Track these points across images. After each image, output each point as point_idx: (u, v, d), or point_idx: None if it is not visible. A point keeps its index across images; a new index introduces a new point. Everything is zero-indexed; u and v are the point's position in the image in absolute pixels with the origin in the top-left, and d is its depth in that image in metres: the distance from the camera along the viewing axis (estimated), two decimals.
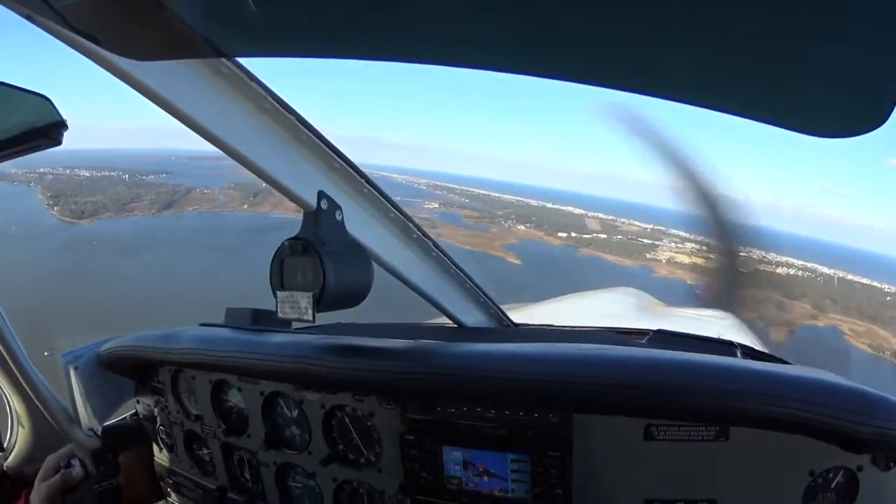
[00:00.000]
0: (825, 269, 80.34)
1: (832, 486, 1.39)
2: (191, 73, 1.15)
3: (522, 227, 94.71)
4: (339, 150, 1.51)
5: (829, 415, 1.19)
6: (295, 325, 1.91)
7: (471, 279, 2.15)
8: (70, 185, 76.91)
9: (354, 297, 1.50)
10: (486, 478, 1.64)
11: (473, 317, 2.31)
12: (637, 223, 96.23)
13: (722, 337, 2.35)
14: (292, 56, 0.85)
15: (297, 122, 1.38)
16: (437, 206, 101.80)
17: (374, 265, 1.61)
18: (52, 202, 70.15)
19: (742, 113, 0.59)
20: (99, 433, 2.34)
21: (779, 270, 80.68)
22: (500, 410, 1.59)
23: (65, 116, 1.36)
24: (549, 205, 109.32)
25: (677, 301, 5.82)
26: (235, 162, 1.31)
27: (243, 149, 1.28)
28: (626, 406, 1.39)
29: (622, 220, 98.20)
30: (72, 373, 2.25)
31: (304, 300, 1.40)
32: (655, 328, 2.19)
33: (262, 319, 2.21)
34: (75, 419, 2.31)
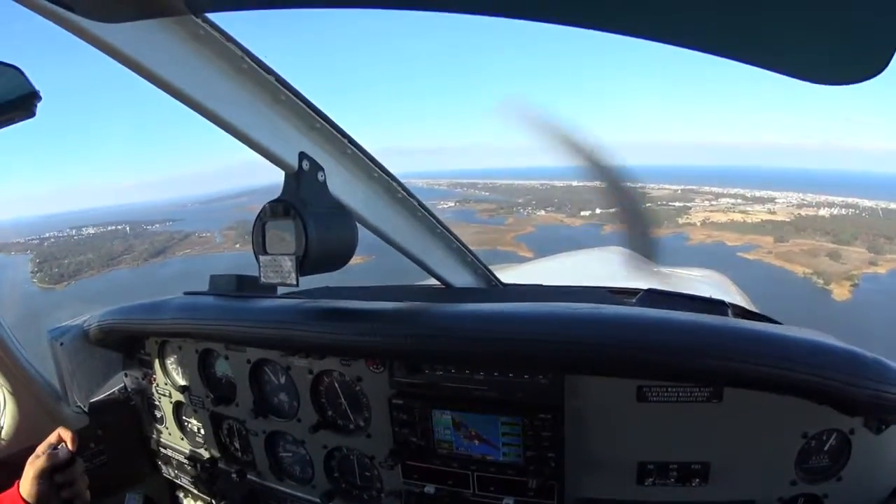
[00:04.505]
0: (867, 202, 75.74)
1: (825, 448, 1.39)
2: (165, 36, 1.13)
3: (542, 213, 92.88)
4: (320, 111, 1.46)
5: (821, 375, 1.18)
6: (280, 290, 1.90)
7: (458, 239, 2.08)
8: (65, 247, 77.47)
9: (339, 258, 1.46)
10: (476, 442, 1.59)
11: (461, 277, 2.23)
12: (666, 186, 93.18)
13: (713, 297, 2.19)
14: (261, 8, 0.83)
15: (276, 83, 1.34)
16: (452, 204, 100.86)
17: (359, 227, 1.57)
18: (36, 269, 69.89)
19: (745, 59, 0.58)
20: (87, 409, 2.26)
21: (821, 212, 76.55)
22: (489, 372, 1.55)
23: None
24: (574, 183, 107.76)
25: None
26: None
27: (221, 110, 1.26)
28: (618, 366, 1.34)
29: (650, 185, 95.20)
30: (58, 349, 2.15)
31: (288, 263, 1.36)
32: (646, 287, 2.11)
33: (246, 286, 2.13)
34: (63, 397, 2.20)
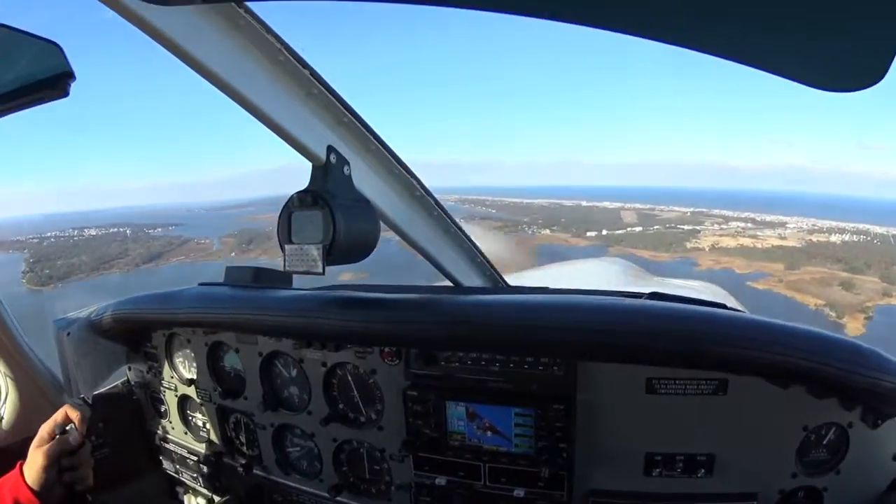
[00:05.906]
0: (878, 229, 74.60)
1: (824, 442, 1.44)
2: (207, 24, 1.17)
3: (548, 232, 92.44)
4: (349, 106, 1.51)
5: (823, 363, 1.23)
6: (296, 283, 1.95)
7: (469, 240, 2.11)
8: (62, 248, 75.87)
9: (362, 249, 1.50)
10: (489, 433, 1.61)
11: (470, 278, 2.27)
12: (676, 208, 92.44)
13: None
14: None
15: (311, 77, 1.38)
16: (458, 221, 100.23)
17: None
18: (28, 269, 68.25)
19: (747, 61, 0.57)
20: (90, 401, 2.08)
21: (833, 238, 75.37)
22: (505, 364, 1.59)
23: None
24: (583, 203, 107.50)
25: None
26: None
27: (255, 99, 1.29)
28: (630, 352, 1.37)
29: (660, 207, 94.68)
30: (64, 339, 2.13)
31: (314, 252, 1.39)
32: (649, 292, 2.13)
33: (263, 277, 2.12)
34: (65, 388, 2.20)
